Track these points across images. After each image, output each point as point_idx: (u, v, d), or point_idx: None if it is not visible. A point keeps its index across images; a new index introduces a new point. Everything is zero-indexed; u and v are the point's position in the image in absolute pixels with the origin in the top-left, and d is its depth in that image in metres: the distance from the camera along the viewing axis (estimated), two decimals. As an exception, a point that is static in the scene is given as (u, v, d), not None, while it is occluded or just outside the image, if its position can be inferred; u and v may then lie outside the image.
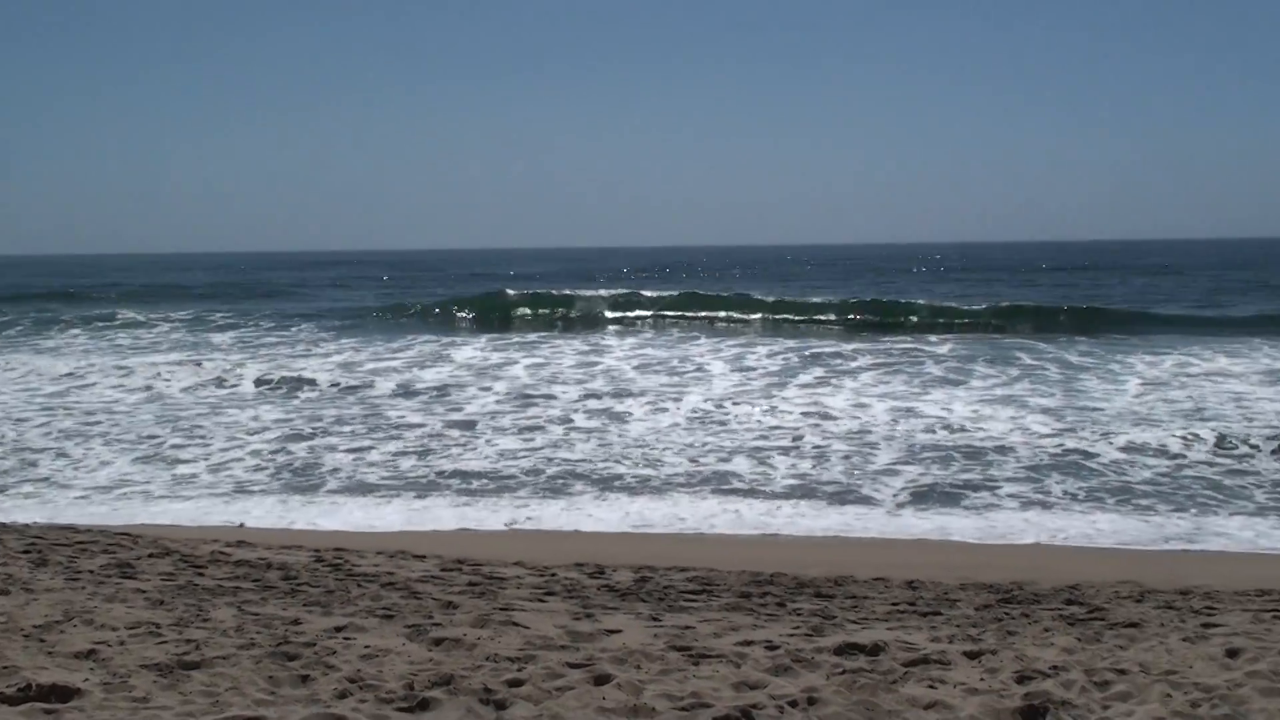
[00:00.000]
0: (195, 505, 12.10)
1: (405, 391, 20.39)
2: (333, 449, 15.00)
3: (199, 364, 24.34)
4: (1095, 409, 17.52)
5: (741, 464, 13.78)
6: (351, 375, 22.76)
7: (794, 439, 15.27)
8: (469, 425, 16.74)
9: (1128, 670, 5.58)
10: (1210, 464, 13.37)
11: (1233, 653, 5.94)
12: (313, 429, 16.52)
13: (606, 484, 12.80)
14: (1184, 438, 14.45)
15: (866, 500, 12.01)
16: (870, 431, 15.78)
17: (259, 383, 21.60)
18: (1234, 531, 10.69)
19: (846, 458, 14.04)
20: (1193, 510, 11.44)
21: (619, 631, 6.37)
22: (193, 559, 8.57)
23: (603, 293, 41.50)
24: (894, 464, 13.68)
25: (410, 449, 14.96)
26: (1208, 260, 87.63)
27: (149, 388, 21.26)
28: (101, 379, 22.33)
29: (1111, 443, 14.47)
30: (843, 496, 12.15)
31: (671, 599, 7.61)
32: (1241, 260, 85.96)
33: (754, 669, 5.58)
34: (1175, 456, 13.74)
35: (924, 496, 12.11)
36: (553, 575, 8.43)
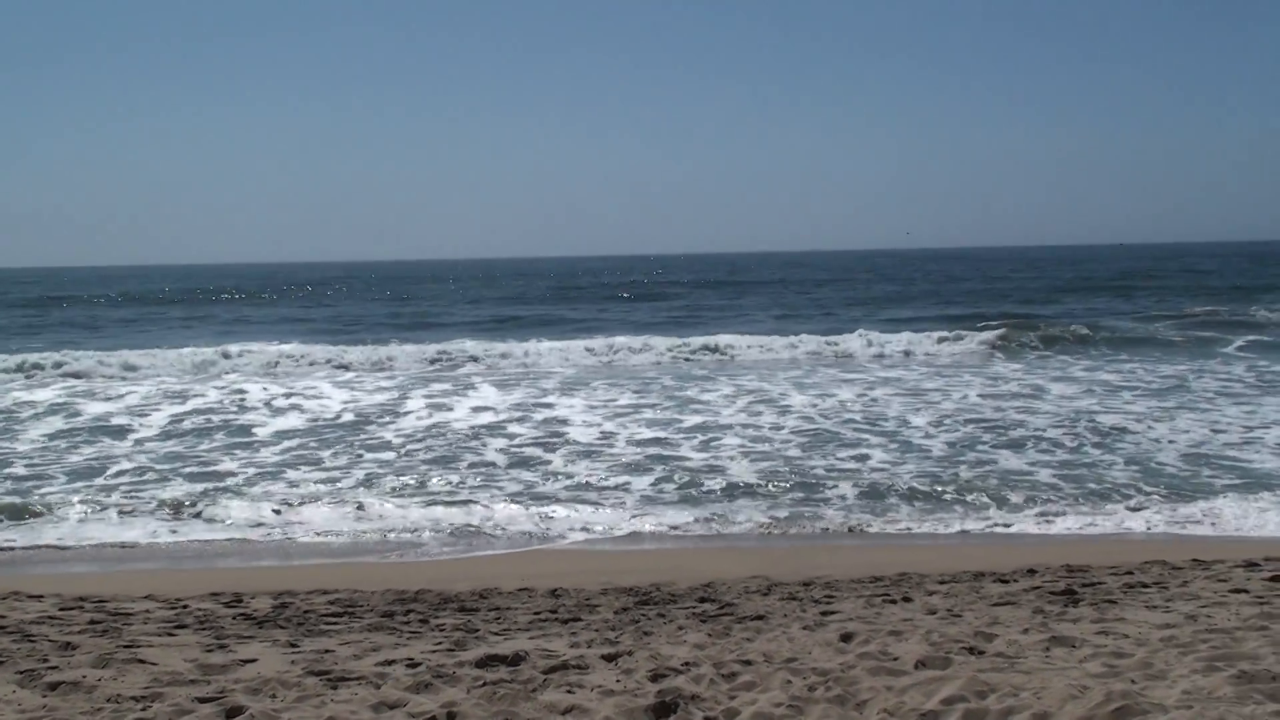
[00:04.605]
0: None
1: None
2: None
3: None
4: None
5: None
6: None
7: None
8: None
9: (753, 661, 5.89)
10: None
11: (846, 637, 6.38)
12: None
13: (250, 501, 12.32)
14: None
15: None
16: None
17: None
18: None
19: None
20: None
21: (254, 661, 6.16)
22: None
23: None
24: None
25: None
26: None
27: None
28: None
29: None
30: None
31: (311, 623, 7.41)
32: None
33: (394, 688, 5.53)
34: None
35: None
36: (185, 607, 8.02)
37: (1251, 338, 30.83)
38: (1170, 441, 15.30)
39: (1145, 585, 8.01)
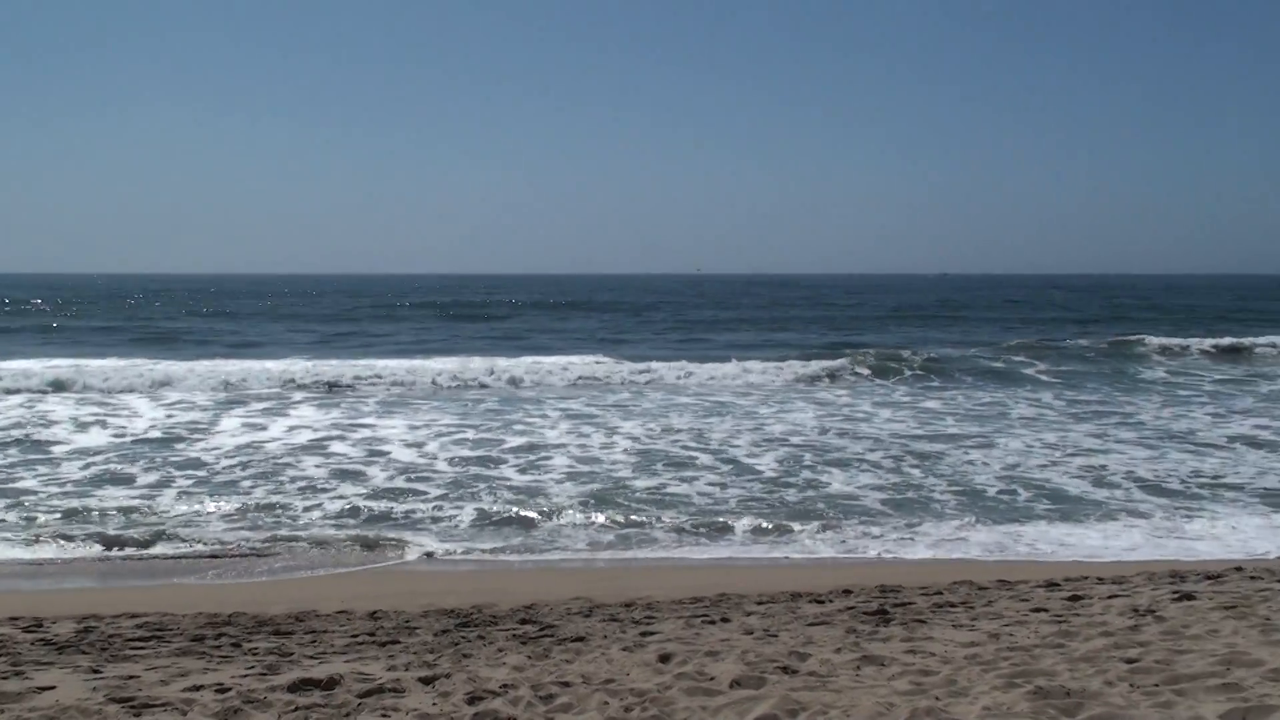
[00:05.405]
0: None
1: None
2: None
3: None
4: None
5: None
6: None
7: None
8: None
9: (571, 682, 5.89)
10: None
11: (665, 658, 6.43)
12: None
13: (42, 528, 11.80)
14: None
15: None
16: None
17: None
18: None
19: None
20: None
21: (52, 688, 5.90)
22: None
23: None
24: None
25: None
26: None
27: None
28: None
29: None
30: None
31: (116, 648, 7.13)
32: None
33: (201, 715, 5.36)
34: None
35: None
36: (-21, 632, 7.64)
37: (1062, 366, 32.17)
38: (984, 464, 15.88)
39: (953, 605, 8.28)
